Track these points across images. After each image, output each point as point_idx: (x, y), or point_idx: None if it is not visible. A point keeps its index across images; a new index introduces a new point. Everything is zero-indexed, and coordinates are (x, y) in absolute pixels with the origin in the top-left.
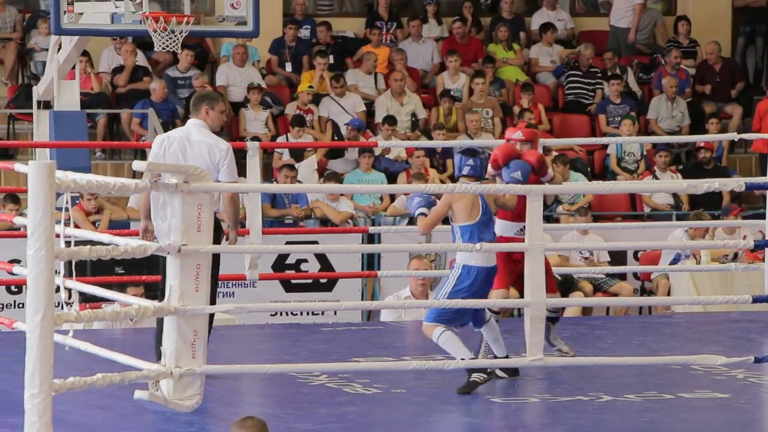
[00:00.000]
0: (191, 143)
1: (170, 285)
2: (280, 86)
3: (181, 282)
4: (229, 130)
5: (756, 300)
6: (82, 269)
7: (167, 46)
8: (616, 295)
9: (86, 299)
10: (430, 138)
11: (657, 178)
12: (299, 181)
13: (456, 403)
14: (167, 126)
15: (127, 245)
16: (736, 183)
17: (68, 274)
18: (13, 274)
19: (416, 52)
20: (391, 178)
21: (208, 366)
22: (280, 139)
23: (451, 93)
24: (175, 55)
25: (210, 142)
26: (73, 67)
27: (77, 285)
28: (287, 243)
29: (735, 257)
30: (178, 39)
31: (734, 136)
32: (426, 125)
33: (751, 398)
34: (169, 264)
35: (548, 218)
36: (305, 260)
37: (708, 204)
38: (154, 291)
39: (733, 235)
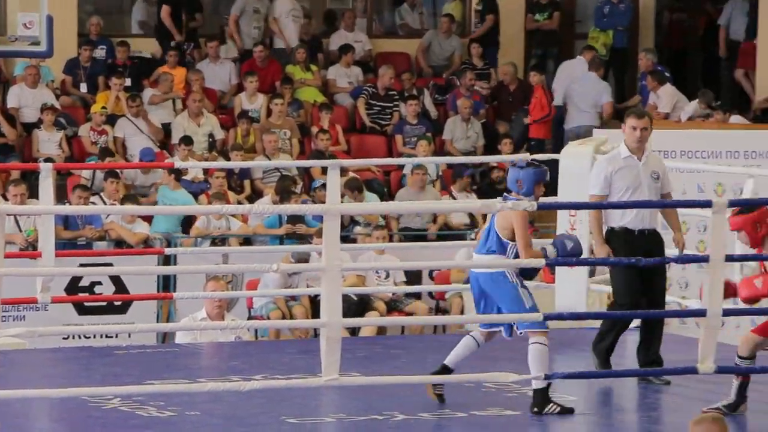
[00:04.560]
0: None
1: None
2: (75, 107)
3: None
4: (21, 151)
5: (547, 318)
6: None
7: None
8: (411, 314)
9: None
10: (228, 159)
11: (453, 198)
12: (93, 203)
13: (250, 424)
14: None
15: None
16: (528, 203)
17: None
18: None
19: (214, 73)
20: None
21: None
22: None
23: (249, 114)
24: None
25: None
26: None
27: None
28: (81, 265)
29: None
30: None
31: (525, 156)
32: (224, 146)
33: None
34: None
35: (345, 238)
36: (99, 282)
37: None
38: None
39: None
